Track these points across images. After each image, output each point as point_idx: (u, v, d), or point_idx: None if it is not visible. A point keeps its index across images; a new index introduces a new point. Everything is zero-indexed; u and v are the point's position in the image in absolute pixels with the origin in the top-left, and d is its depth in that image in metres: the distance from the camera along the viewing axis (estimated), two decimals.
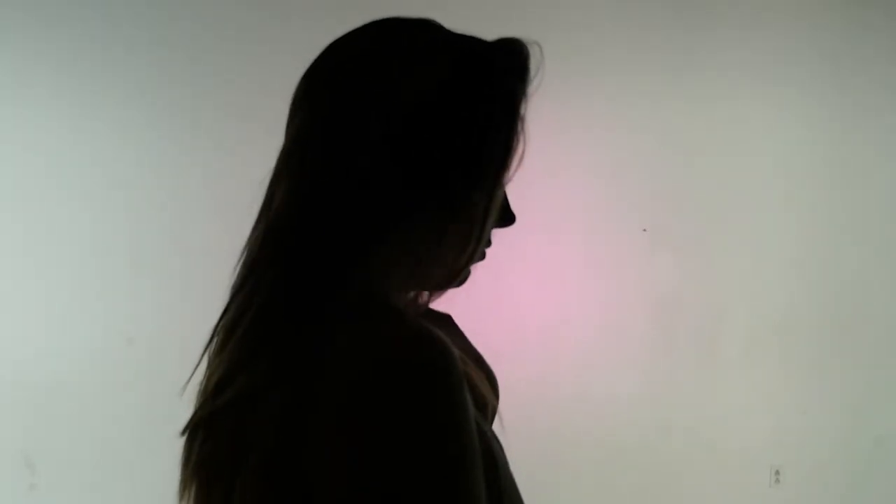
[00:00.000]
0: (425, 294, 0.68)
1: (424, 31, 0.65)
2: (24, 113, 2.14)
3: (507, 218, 0.69)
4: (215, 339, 0.62)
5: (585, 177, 2.47)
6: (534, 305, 2.43)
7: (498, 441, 0.66)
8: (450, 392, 0.50)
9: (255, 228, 0.64)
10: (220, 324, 0.62)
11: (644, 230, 2.52)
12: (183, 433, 0.62)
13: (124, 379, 2.15)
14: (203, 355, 0.64)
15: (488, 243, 0.67)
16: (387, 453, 0.48)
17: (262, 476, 0.53)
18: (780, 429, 2.60)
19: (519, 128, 0.63)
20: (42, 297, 2.14)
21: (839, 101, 2.66)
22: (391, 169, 0.59)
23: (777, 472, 2.58)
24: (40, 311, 2.14)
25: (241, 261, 0.64)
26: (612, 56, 2.51)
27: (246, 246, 0.64)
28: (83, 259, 2.16)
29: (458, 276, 0.65)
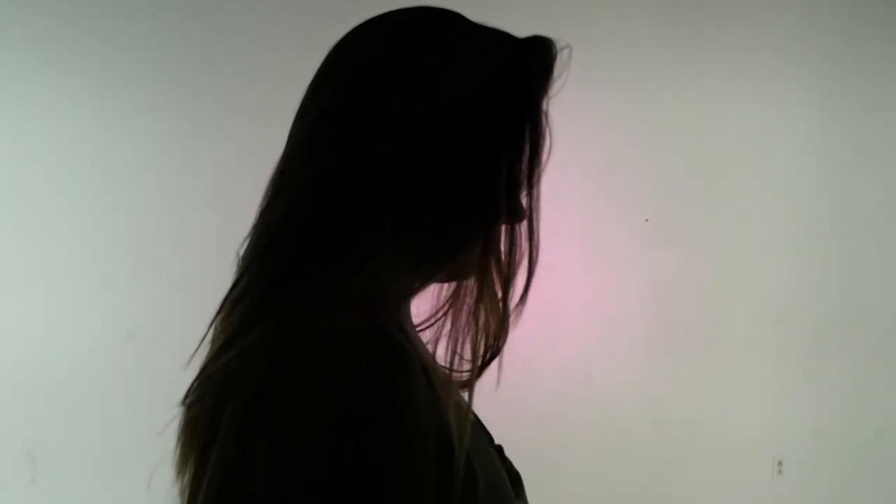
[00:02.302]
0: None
1: (454, 23, 0.65)
2: (23, 110, 2.13)
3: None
4: (223, 310, 0.62)
5: (587, 167, 2.46)
6: (533, 295, 2.42)
7: (490, 455, 0.66)
8: (395, 407, 0.50)
9: (270, 203, 0.63)
10: (229, 295, 0.62)
11: (646, 220, 2.51)
12: (184, 401, 0.62)
13: (124, 373, 2.15)
14: (211, 325, 0.64)
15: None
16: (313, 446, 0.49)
17: (231, 434, 0.53)
18: (782, 420, 2.60)
19: (545, 125, 0.65)
20: (42, 292, 2.14)
21: (842, 95, 2.65)
22: (421, 161, 0.59)
23: (780, 463, 2.59)
24: (40, 306, 2.14)
25: (255, 232, 0.63)
26: (615, 49, 2.50)
27: (261, 216, 0.63)
28: (82, 254, 2.16)
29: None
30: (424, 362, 0.58)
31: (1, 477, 2.11)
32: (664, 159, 2.54)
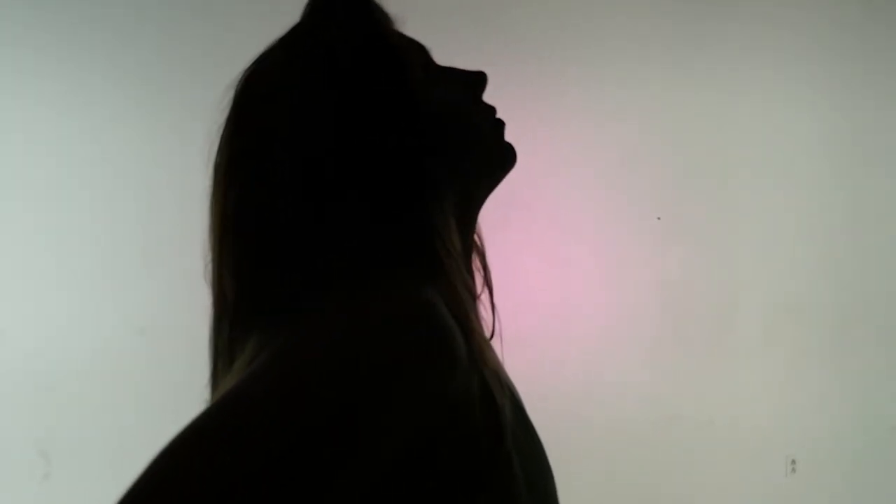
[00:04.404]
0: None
1: (284, 39, 0.65)
2: (34, 109, 2.14)
3: (474, 80, 0.66)
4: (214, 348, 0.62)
5: (599, 165, 2.46)
6: (545, 293, 2.42)
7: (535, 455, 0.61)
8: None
9: (225, 253, 0.61)
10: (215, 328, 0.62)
11: (658, 218, 2.50)
12: None
13: (136, 369, 2.16)
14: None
15: (492, 111, 0.65)
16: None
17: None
18: (795, 418, 2.59)
19: (403, 45, 0.62)
20: (55, 289, 2.16)
21: (854, 93, 2.63)
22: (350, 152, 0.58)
23: (793, 462, 2.57)
24: (53, 303, 2.15)
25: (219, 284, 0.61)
26: (626, 46, 2.49)
27: (220, 261, 0.61)
28: (95, 250, 2.17)
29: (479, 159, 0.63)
30: (477, 342, 0.54)
31: (15, 473, 2.13)
32: (675, 157, 2.53)
